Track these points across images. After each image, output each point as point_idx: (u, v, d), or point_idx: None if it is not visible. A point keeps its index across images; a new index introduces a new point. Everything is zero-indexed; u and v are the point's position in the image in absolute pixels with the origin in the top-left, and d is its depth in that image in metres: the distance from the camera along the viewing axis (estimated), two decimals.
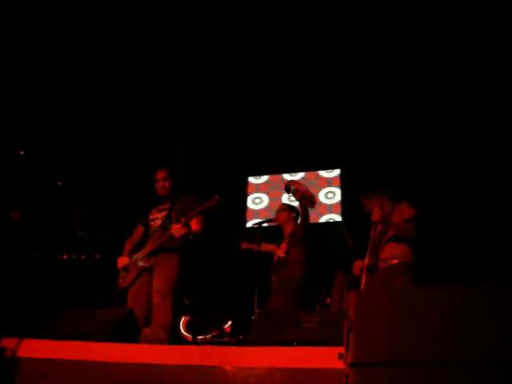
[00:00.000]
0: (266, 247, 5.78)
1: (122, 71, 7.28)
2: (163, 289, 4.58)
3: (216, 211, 4.69)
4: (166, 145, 8.45)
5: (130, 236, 5.14)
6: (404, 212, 4.76)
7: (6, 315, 4.80)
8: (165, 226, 4.81)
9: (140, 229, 5.13)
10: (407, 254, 4.71)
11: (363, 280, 4.75)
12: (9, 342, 3.50)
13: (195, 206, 4.78)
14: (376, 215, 4.65)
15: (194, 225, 4.79)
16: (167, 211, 4.95)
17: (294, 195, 5.35)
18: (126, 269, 4.82)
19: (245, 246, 5.95)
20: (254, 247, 5.76)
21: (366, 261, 4.76)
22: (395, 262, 4.67)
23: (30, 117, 7.51)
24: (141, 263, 4.74)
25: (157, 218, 4.98)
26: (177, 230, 4.61)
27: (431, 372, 2.09)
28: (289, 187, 5.41)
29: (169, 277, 4.66)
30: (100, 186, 8.15)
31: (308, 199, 5.28)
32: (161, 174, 5.02)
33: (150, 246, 4.80)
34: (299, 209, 5.49)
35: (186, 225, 4.68)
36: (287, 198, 8.24)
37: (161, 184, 5.00)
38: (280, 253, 5.51)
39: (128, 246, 5.03)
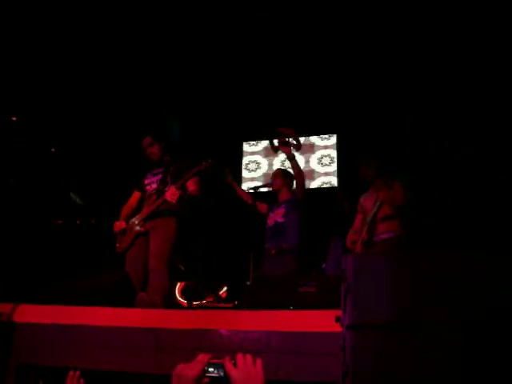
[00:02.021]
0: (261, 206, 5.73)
1: (114, 40, 7.19)
2: (160, 252, 4.57)
3: (209, 174, 4.66)
4: (158, 110, 8.40)
5: (127, 202, 5.11)
6: (400, 194, 4.91)
7: (1, 281, 4.80)
8: (160, 190, 4.79)
9: (136, 194, 5.10)
10: (399, 229, 4.96)
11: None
12: (4, 308, 3.50)
13: (189, 169, 4.76)
14: (385, 197, 4.83)
15: (191, 186, 4.78)
16: (162, 175, 4.92)
17: (283, 150, 5.38)
18: (122, 233, 4.80)
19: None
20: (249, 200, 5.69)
21: (364, 236, 4.92)
22: (387, 236, 4.92)
23: (24, 83, 7.42)
24: (137, 228, 4.72)
25: (152, 181, 4.96)
26: (171, 195, 4.56)
27: (430, 335, 2.08)
28: (276, 148, 5.43)
29: (165, 240, 4.64)
30: (95, 152, 8.10)
31: (294, 145, 5.30)
32: (145, 142, 5.01)
33: (145, 211, 4.78)
34: (294, 173, 5.43)
35: (181, 189, 4.64)
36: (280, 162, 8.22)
37: (148, 151, 4.99)
38: (278, 217, 5.45)
39: (125, 212, 5.00)
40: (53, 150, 8.16)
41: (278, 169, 6.13)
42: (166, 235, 4.66)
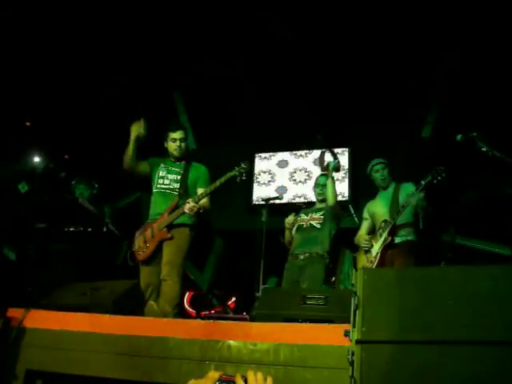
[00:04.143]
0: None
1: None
2: (172, 262, 4.50)
3: (244, 179, 4.60)
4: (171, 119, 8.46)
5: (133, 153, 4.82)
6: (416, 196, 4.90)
7: (13, 286, 4.82)
8: (181, 194, 4.69)
9: (145, 164, 4.90)
10: (412, 233, 5.01)
11: (378, 256, 4.93)
12: (15, 313, 3.52)
13: (210, 179, 4.75)
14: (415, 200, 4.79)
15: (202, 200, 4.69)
16: (180, 176, 4.81)
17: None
18: (145, 241, 4.68)
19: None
20: None
21: (389, 238, 4.92)
22: (401, 239, 4.97)
23: (34, 86, 7.48)
24: (166, 236, 4.59)
25: (165, 177, 4.83)
26: (190, 209, 4.50)
27: (437, 351, 2.08)
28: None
29: (178, 250, 4.57)
30: (104, 158, 8.14)
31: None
32: (180, 134, 4.85)
33: (168, 218, 4.64)
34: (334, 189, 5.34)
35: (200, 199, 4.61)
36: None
37: (178, 144, 4.83)
38: (314, 222, 5.35)
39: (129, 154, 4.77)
40: (66, 156, 8.24)
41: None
42: (180, 245, 4.59)
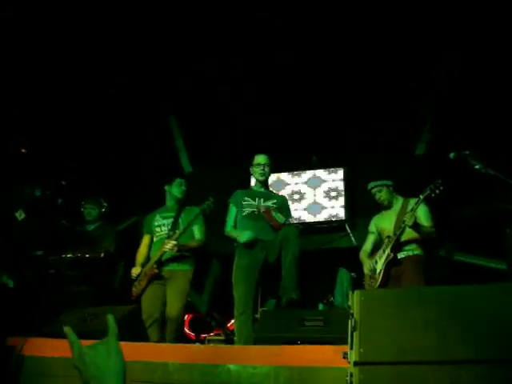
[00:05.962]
0: None
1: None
2: (175, 314, 4.85)
3: (211, 210, 4.97)
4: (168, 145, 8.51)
5: (139, 249, 5.28)
6: (425, 214, 4.95)
7: (11, 315, 4.81)
8: (171, 235, 4.97)
9: (147, 239, 5.29)
10: (418, 247, 4.98)
11: (381, 274, 4.87)
12: (14, 341, 3.52)
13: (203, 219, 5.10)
14: (410, 220, 4.66)
15: (197, 234, 5.09)
16: (172, 219, 5.13)
17: None
18: (138, 278, 4.99)
19: None
20: None
21: (391, 254, 4.86)
22: (405, 254, 4.93)
23: (32, 115, 7.52)
24: (152, 271, 4.92)
25: (162, 224, 5.17)
26: (170, 248, 4.84)
27: (436, 371, 2.09)
28: None
29: (181, 295, 4.94)
30: (103, 185, 8.16)
31: None
32: (183, 182, 5.32)
33: (155, 255, 4.98)
34: None
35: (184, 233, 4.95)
36: None
37: (183, 188, 5.27)
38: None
39: (139, 259, 5.19)
40: (63, 183, 8.24)
41: None
42: (181, 287, 4.97)
